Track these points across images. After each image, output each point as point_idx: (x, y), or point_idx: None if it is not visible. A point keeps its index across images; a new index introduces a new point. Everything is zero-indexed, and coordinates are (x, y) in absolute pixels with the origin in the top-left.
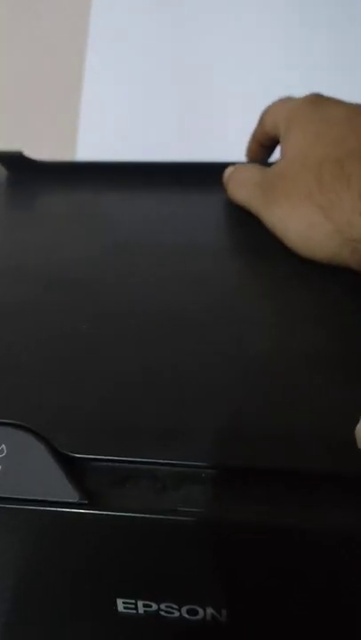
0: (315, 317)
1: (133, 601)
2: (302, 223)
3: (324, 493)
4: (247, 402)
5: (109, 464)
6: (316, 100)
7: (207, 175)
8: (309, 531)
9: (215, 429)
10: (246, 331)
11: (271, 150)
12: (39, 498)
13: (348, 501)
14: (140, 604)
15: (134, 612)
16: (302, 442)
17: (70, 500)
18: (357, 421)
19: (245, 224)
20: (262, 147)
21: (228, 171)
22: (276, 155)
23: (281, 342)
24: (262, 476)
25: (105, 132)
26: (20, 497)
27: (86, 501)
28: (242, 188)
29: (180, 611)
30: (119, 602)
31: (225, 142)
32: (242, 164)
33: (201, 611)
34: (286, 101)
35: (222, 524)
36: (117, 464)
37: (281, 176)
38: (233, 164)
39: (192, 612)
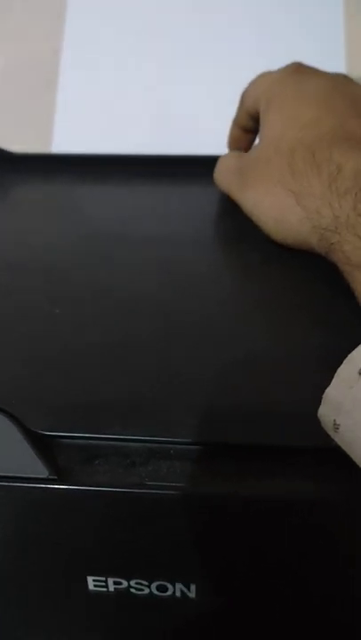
0: (287, 300)
1: (103, 578)
2: (275, 207)
3: (291, 466)
4: (214, 380)
5: (79, 441)
6: (297, 71)
7: (181, 168)
8: (275, 502)
9: (183, 407)
10: (218, 312)
11: (254, 136)
12: (9, 474)
13: (312, 474)
14: (110, 581)
15: (105, 589)
16: (267, 418)
17: (40, 476)
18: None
19: (219, 215)
20: (244, 132)
21: None
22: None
23: (251, 323)
24: (229, 451)
25: (80, 126)
26: None
27: (55, 477)
28: (222, 175)
29: (149, 587)
30: (89, 579)
31: (199, 136)
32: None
33: (170, 587)
34: (266, 75)
35: (189, 496)
36: (87, 441)
37: (256, 161)
38: (208, 156)
39: (162, 589)
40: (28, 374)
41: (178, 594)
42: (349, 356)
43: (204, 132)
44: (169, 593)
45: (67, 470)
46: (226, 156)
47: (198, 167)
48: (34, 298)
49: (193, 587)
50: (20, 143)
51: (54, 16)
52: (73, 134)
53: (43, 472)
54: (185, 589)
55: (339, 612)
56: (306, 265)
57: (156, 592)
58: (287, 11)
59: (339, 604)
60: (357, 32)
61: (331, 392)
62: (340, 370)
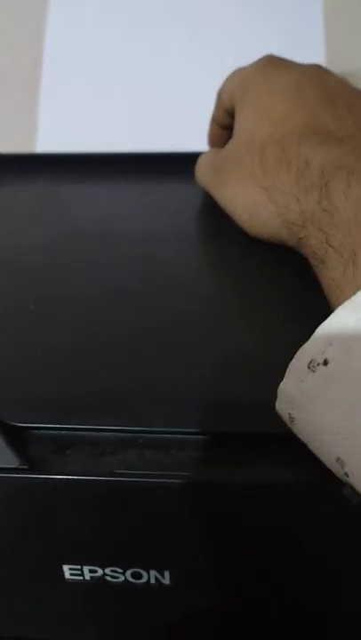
0: (263, 294)
1: (79, 567)
2: (248, 202)
3: (256, 453)
4: (184, 369)
5: (50, 432)
6: (269, 64)
7: (163, 165)
8: (238, 487)
9: (152, 396)
10: (194, 306)
11: (232, 133)
12: None
13: (275, 459)
14: (85, 569)
15: (81, 578)
16: (237, 407)
17: (10, 466)
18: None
19: (200, 211)
20: (223, 129)
21: None
22: None
23: (226, 317)
24: (197, 439)
25: (64, 126)
26: None
27: (26, 466)
28: (200, 173)
29: (124, 575)
30: (65, 568)
31: (180, 134)
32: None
33: (145, 574)
34: (240, 70)
35: (158, 484)
36: (58, 432)
37: (230, 157)
38: (189, 153)
39: (136, 576)
40: None
41: (153, 581)
42: (300, 350)
43: (187, 131)
44: (143, 580)
45: (38, 460)
46: (205, 153)
47: (180, 164)
48: (10, 294)
49: (167, 573)
50: (5, 143)
51: (37, 12)
52: (58, 133)
53: (13, 462)
54: (159, 576)
55: (317, 601)
56: (281, 259)
57: (131, 579)
58: (265, 12)
59: (315, 593)
60: (336, 33)
61: (284, 386)
62: (291, 364)
